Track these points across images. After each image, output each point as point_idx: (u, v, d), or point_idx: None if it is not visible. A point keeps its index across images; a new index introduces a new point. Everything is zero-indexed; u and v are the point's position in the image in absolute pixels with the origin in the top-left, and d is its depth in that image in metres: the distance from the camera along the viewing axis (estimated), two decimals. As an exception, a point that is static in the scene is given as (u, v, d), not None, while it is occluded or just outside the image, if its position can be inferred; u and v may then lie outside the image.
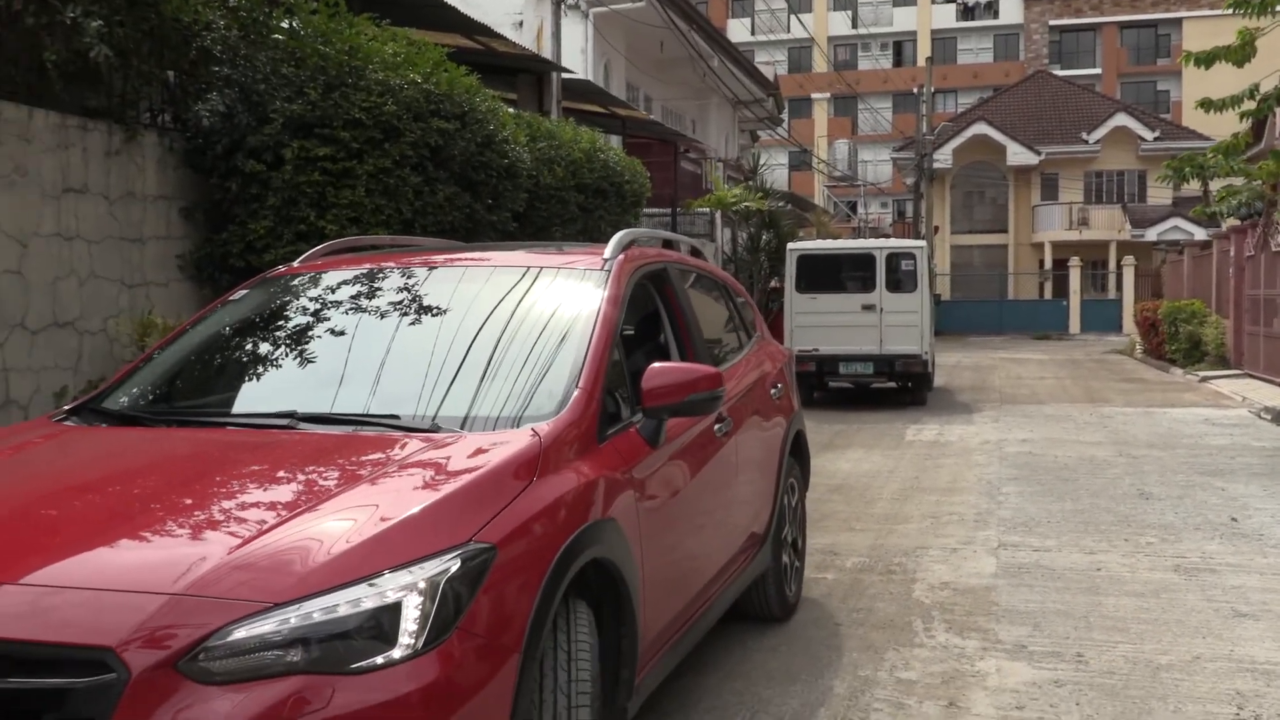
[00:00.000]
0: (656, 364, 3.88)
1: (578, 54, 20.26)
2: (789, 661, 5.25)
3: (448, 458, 3.23)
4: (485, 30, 11.42)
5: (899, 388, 17.14)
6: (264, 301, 4.49)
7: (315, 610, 2.58)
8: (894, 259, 16.46)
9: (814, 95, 66.22)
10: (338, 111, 6.87)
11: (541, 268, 4.38)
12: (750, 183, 24.70)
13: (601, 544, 3.31)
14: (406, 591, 2.65)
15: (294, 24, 7.56)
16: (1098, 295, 44.09)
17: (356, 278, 4.46)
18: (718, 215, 21.58)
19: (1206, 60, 10.59)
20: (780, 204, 30.52)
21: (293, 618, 2.56)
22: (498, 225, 8.25)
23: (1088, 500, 9.12)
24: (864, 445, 12.66)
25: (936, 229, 45.11)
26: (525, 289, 4.22)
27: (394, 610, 2.62)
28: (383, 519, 2.84)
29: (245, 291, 4.60)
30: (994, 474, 10.52)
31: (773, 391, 5.78)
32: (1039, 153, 45.80)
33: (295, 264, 4.74)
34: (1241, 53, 10.25)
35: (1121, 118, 46.25)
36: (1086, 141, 46.35)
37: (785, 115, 57.72)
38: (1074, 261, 41.58)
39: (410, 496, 2.96)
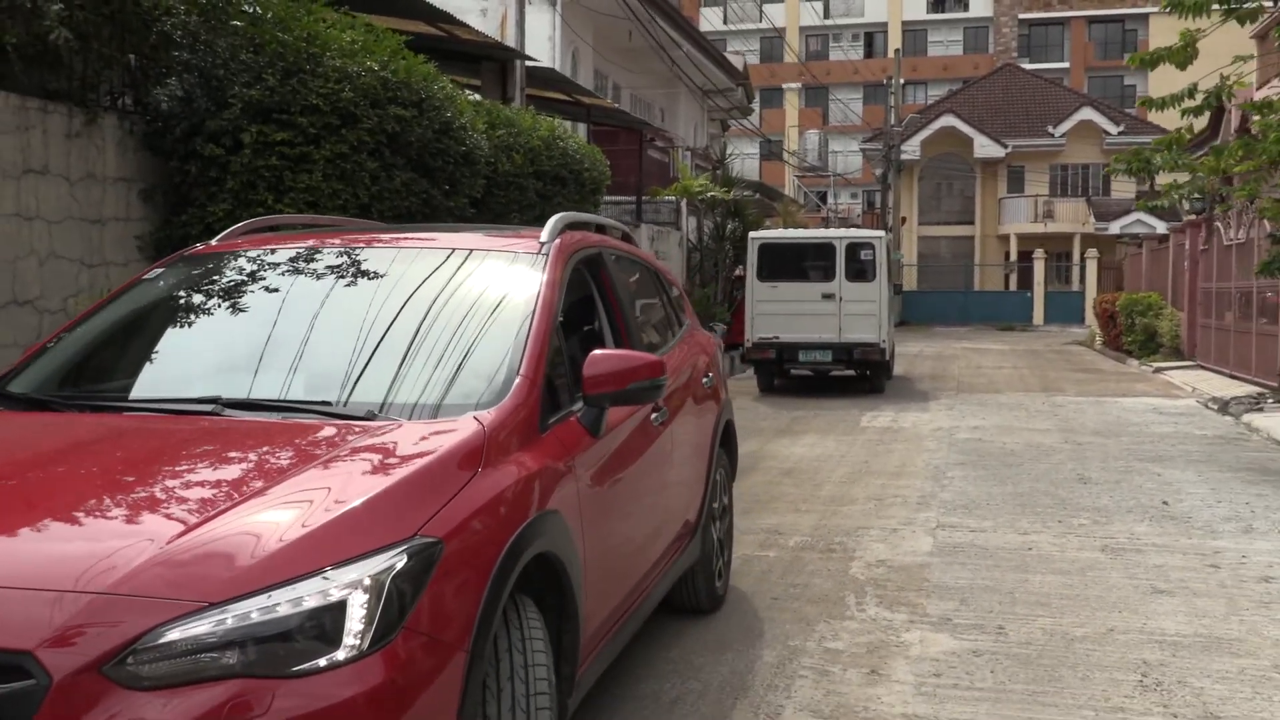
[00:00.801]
0: (598, 351, 3.76)
1: (545, 41, 20.37)
2: (723, 632, 5.47)
3: (388, 447, 3.09)
4: (448, 18, 11.56)
5: (858, 376, 17.42)
6: (182, 281, 4.26)
7: (253, 610, 2.43)
8: (854, 249, 16.72)
9: (785, 85, 66.46)
10: (295, 97, 7.02)
11: (475, 250, 4.23)
12: (717, 171, 24.90)
13: (546, 537, 3.21)
14: (351, 589, 2.51)
15: (254, 9, 7.69)
16: (1062, 287, 44.60)
17: (282, 257, 4.27)
18: (683, 203, 21.78)
19: (1151, 61, 10.86)
20: (749, 193, 30.77)
21: (229, 618, 2.41)
22: (455, 211, 8.41)
23: (1028, 484, 9.40)
24: (819, 431, 12.91)
25: (904, 220, 45.49)
26: (460, 271, 4.06)
27: (338, 609, 2.49)
28: (323, 511, 2.70)
29: (160, 270, 4.36)
30: (942, 459, 10.79)
31: (704, 381, 5.69)
32: (1006, 145, 46.22)
33: (214, 242, 4.50)
34: (1183, 54, 10.51)
35: (1087, 112, 46.72)
36: (1052, 135, 46.80)
37: (757, 104, 57.92)
38: (1038, 254, 42.10)
39: (351, 488, 2.82)
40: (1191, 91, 10.76)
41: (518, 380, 3.47)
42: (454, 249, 4.26)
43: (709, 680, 4.83)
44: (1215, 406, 15.02)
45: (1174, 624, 5.60)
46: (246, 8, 7.65)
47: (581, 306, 4.68)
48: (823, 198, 62.23)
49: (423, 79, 7.82)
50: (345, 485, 2.83)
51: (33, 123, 6.80)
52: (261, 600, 2.45)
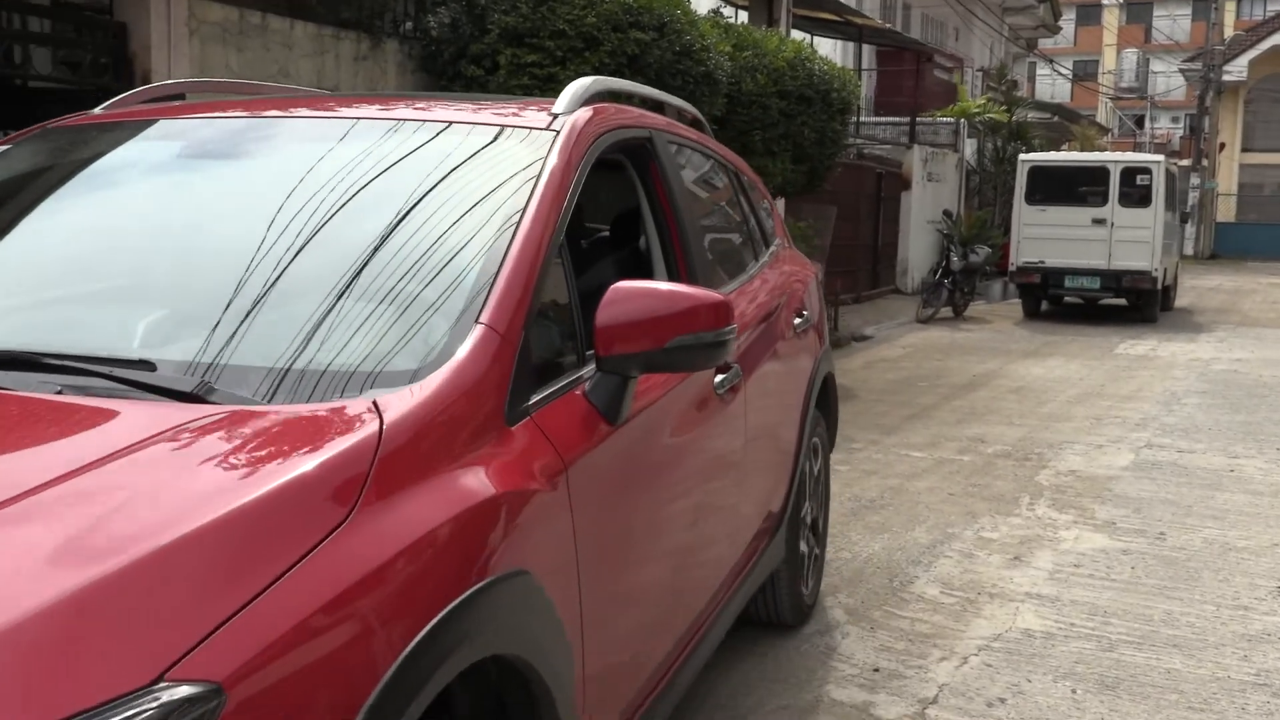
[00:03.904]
0: (622, 284, 2.33)
1: (828, -38, 20.50)
2: (888, 517, 5.97)
3: (179, 464, 1.71)
4: (712, -57, 12.07)
5: (1130, 305, 16.97)
6: (23, 166, 2.92)
7: None
8: (1130, 173, 16.24)
9: (1104, 1, 62.73)
10: (545, 23, 7.80)
11: (449, 124, 2.79)
12: (1014, 92, 24.30)
13: (498, 627, 1.88)
14: None
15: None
16: (1407, 222, 40.70)
17: (166, 133, 2.95)
18: (964, 125, 21.50)
19: None
20: (1046, 115, 29.78)
21: None
22: (695, 128, 9.03)
23: (1264, 414, 9.22)
24: (1067, 355, 12.86)
25: (1223, 146, 42.54)
26: (418, 157, 2.64)
27: None
28: None
29: (6, 147, 2.95)
30: (1184, 387, 10.63)
31: (796, 322, 4.23)
32: (1348, 65, 42.23)
33: (98, 110, 3.13)
34: None
35: None
36: (1406, 53, 42.35)
37: (1072, 22, 55.11)
38: (1376, 184, 38.52)
39: (60, 567, 1.42)
40: None
41: (476, 332, 2.10)
42: (418, 122, 2.83)
43: (859, 553, 5.37)
44: None
45: (1346, 544, 5.65)
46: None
47: (618, 216, 3.69)
48: (1139, 122, 58.80)
49: (665, 4, 8.43)
50: (49, 560, 1.44)
51: (327, 48, 7.91)
52: None
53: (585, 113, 2.81)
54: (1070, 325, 16.05)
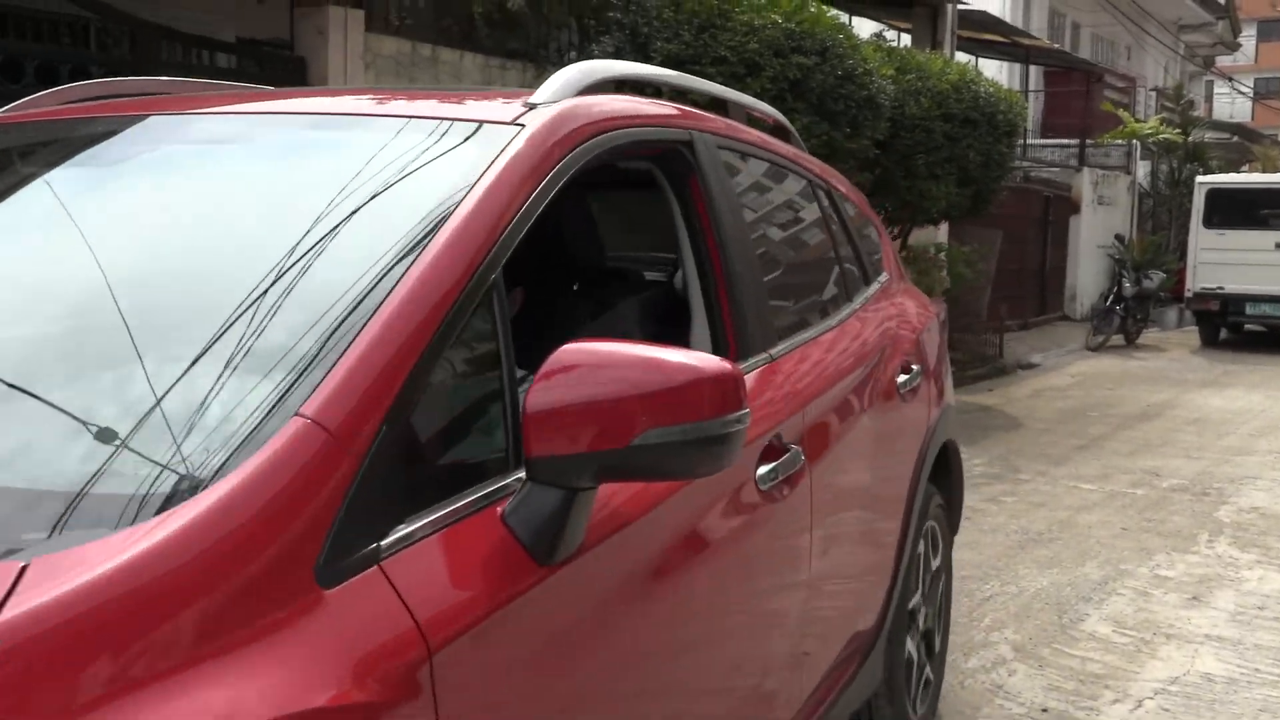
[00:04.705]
0: (570, 346, 1.54)
1: (994, -17, 20.11)
2: (1057, 551, 5.78)
3: None
4: (874, -34, 11.99)
5: (1320, 334, 16.13)
6: None
7: None
8: (1317, 196, 15.47)
9: (1289, 15, 59.92)
10: (707, 50, 7.86)
11: (389, 119, 2.06)
12: (1191, 112, 23.38)
13: None
14: None
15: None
16: None
17: (41, 139, 2.28)
18: (1136, 147, 20.78)
19: None
20: (1225, 135, 28.58)
21: None
22: (857, 153, 8.94)
23: None
24: (1248, 385, 12.28)
25: None
26: (317, 168, 1.96)
27: None
28: None
29: None
30: (1378, 421, 10.05)
31: (901, 379, 3.28)
32: None
33: (2, 111, 2.44)
34: None
35: None
36: None
37: (1253, 39, 52.81)
38: None
39: None
40: None
41: (288, 431, 1.34)
42: (340, 116, 2.17)
43: (1026, 587, 5.21)
44: None
45: None
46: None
47: (650, 248, 3.00)
48: (1327, 141, 55.90)
49: (827, 30, 8.40)
50: None
51: (494, 78, 8.12)
52: None
53: (576, 104, 2.02)
54: (1251, 354, 15.32)
